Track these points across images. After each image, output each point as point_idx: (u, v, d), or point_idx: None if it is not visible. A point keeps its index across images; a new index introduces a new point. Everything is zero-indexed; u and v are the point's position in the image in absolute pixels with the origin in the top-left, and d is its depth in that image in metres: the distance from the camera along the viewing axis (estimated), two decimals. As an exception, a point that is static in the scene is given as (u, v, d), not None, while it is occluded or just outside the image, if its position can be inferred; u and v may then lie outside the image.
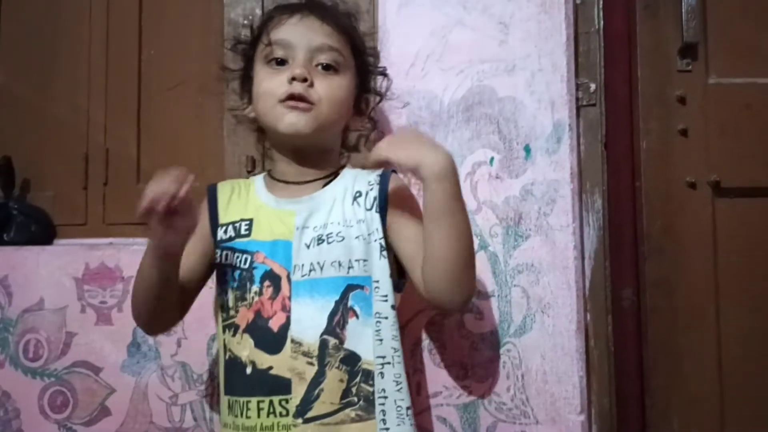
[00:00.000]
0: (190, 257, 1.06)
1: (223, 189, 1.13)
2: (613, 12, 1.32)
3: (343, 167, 1.14)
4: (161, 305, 1.04)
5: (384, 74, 1.22)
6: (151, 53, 1.50)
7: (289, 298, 1.00)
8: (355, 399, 0.99)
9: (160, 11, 1.51)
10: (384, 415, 0.99)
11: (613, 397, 1.28)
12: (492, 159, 1.28)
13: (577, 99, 1.31)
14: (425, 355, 1.26)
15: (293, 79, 1.04)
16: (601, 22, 1.33)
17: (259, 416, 0.98)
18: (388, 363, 1.00)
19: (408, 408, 1.01)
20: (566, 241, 1.25)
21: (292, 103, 1.04)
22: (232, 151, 1.39)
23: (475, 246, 1.25)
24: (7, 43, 1.56)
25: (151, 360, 1.32)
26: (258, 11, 1.40)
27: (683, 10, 1.29)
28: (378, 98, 1.21)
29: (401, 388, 1.01)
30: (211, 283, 1.32)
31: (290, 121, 1.04)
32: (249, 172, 1.37)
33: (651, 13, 1.31)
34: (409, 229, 1.03)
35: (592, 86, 1.32)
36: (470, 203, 1.27)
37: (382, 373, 1.00)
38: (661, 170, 1.29)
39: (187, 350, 1.31)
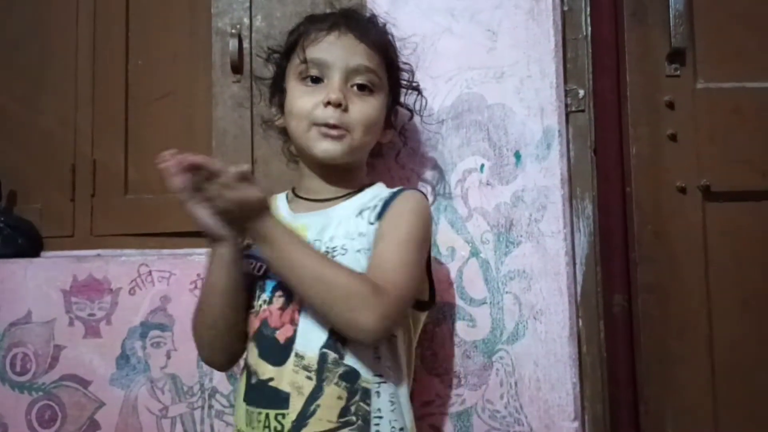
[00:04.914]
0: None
1: None
2: (601, 18, 1.32)
3: (369, 185, 1.11)
4: (226, 324, 1.02)
5: (417, 89, 1.22)
6: (138, 63, 1.50)
7: (299, 311, 0.99)
8: (354, 418, 0.96)
9: (147, 21, 1.50)
10: None
11: (607, 403, 1.28)
12: (482, 166, 1.28)
13: (566, 105, 1.31)
14: (417, 363, 1.25)
15: (328, 103, 1.03)
16: (589, 29, 1.34)
17: (260, 429, 0.96)
18: (385, 382, 0.99)
19: (402, 429, 0.99)
20: (557, 248, 1.25)
21: (325, 129, 1.04)
22: (221, 162, 1.38)
23: (467, 253, 1.25)
24: (-7, 54, 1.55)
25: (140, 373, 1.31)
26: (246, 21, 1.40)
27: (671, 16, 1.29)
28: (409, 115, 1.22)
29: (395, 408, 0.99)
30: (198, 291, 1.31)
31: (324, 148, 1.04)
32: (238, 182, 1.36)
33: (639, 19, 1.32)
34: (377, 244, 1.00)
35: (581, 92, 1.32)
36: (461, 210, 1.27)
37: (378, 392, 0.98)
38: (651, 175, 1.29)
39: (176, 362, 1.30)
